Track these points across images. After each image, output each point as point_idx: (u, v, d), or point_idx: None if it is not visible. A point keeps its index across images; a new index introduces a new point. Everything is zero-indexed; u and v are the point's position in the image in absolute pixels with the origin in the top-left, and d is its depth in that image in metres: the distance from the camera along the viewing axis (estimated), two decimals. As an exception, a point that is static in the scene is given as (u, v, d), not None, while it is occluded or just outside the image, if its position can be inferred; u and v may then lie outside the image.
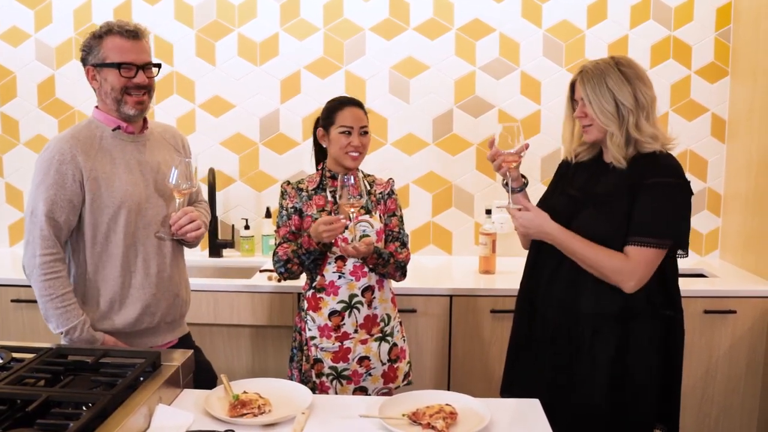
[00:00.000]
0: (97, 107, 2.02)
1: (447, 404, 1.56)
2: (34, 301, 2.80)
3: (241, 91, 3.29)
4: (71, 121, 3.32)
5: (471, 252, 3.29)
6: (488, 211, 3.06)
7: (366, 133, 2.20)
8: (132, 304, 1.99)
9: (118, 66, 1.92)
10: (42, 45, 3.31)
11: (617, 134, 1.82)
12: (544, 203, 2.02)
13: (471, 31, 3.21)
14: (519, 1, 3.18)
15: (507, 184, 1.96)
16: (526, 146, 1.89)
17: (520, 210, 1.90)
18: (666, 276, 1.86)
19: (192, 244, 2.18)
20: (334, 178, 2.22)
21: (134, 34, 1.94)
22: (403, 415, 1.53)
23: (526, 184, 2.05)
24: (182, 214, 1.98)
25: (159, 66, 2.01)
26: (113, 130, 1.98)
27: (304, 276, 2.27)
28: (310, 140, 2.35)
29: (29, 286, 2.75)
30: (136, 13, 3.25)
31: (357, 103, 2.22)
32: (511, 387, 2.04)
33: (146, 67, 1.96)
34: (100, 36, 1.93)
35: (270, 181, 3.33)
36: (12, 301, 2.84)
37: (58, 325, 1.89)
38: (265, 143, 3.31)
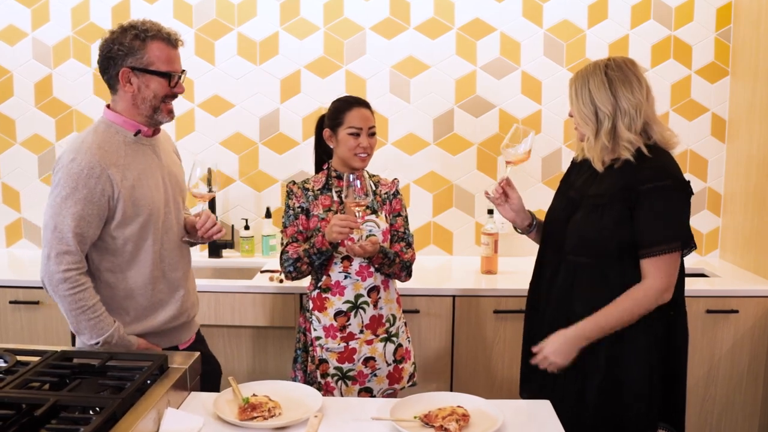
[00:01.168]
0: (111, 109, 1.92)
1: (459, 406, 1.55)
2: (33, 303, 2.82)
3: (240, 91, 3.26)
4: (68, 121, 3.29)
5: (471, 252, 3.29)
6: (490, 211, 3.05)
7: (374, 134, 2.19)
8: (163, 308, 1.98)
9: (167, 75, 1.88)
10: (39, 44, 3.27)
11: (591, 138, 1.83)
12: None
13: (472, 31, 3.20)
14: (520, 1, 3.17)
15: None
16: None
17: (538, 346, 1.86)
18: None
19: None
20: (339, 178, 2.21)
21: (176, 42, 1.92)
22: (415, 417, 1.53)
23: (533, 225, 2.07)
24: (206, 218, 1.99)
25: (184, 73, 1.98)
26: (134, 134, 1.92)
27: (307, 276, 2.25)
28: (310, 140, 2.33)
29: (28, 288, 2.80)
30: (135, 12, 3.22)
31: (364, 104, 2.21)
32: (525, 386, 2.05)
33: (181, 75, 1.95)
34: (143, 38, 1.84)
35: (270, 181, 3.31)
36: (10, 302, 2.81)
37: (92, 336, 1.82)
38: (265, 143, 3.29)
